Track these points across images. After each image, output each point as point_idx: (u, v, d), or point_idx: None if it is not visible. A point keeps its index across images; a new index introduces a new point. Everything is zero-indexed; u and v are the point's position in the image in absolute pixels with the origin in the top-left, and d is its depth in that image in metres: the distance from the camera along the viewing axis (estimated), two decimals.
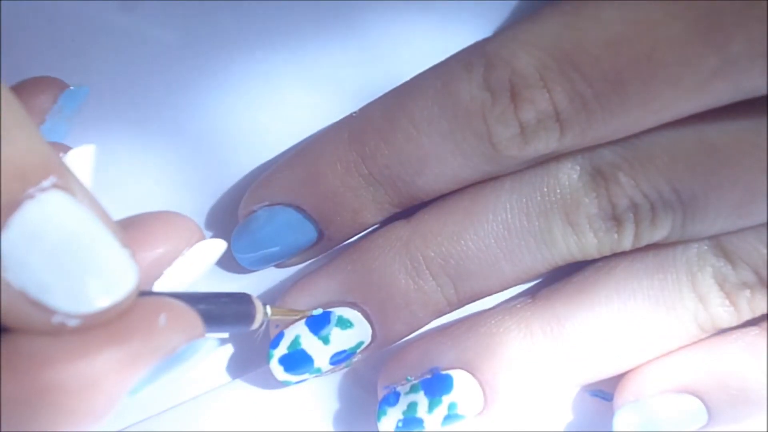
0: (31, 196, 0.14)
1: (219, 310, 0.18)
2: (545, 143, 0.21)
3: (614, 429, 0.23)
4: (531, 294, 0.24)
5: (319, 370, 0.23)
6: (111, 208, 0.24)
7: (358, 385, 0.25)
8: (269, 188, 0.23)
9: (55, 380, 0.14)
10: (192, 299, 0.17)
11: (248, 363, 0.25)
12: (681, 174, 0.21)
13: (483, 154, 0.21)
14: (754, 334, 0.23)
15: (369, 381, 0.25)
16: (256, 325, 0.19)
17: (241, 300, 0.19)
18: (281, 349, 0.23)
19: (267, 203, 0.23)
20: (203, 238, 0.19)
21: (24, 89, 0.21)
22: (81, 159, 0.19)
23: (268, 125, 0.25)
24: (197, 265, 0.19)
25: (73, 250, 0.14)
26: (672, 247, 0.22)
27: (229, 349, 0.25)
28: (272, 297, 0.25)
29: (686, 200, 0.21)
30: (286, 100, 0.24)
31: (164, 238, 0.19)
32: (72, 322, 0.14)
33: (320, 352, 0.22)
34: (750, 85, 0.20)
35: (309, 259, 0.24)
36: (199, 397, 0.24)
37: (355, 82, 0.24)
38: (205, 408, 0.24)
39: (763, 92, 0.20)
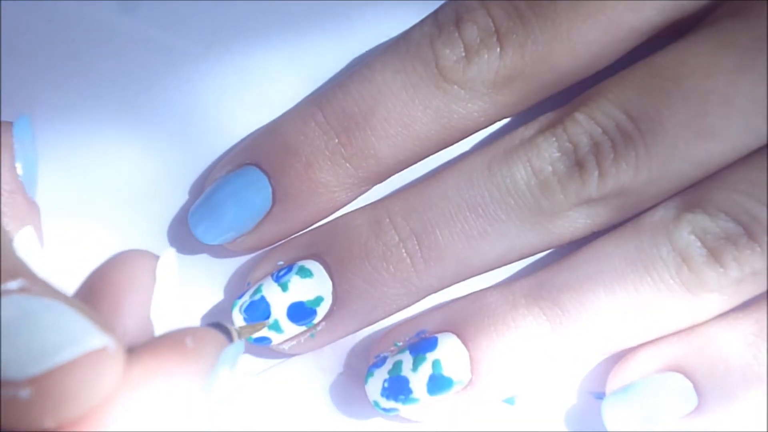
0: None
1: None
2: (487, 63, 0.22)
3: (604, 418, 0.23)
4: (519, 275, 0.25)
5: (277, 326, 0.23)
6: (110, 210, 0.24)
7: (357, 385, 0.25)
8: (231, 153, 0.24)
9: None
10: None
11: (247, 363, 0.25)
12: (632, 99, 0.22)
13: (430, 82, 0.22)
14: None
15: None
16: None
17: (219, 329, 0.18)
18: (245, 298, 0.23)
19: (229, 168, 0.24)
20: (156, 259, 0.18)
21: None
22: (25, 242, 0.20)
23: None
24: (170, 286, 0.19)
25: (17, 323, 0.14)
26: (649, 212, 0.23)
27: None
28: None
29: (644, 127, 0.21)
30: (286, 100, 0.25)
31: (130, 288, 0.18)
32: (23, 393, 0.14)
33: (278, 300, 0.23)
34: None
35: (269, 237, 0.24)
36: None
37: None
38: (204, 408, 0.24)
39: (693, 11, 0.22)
